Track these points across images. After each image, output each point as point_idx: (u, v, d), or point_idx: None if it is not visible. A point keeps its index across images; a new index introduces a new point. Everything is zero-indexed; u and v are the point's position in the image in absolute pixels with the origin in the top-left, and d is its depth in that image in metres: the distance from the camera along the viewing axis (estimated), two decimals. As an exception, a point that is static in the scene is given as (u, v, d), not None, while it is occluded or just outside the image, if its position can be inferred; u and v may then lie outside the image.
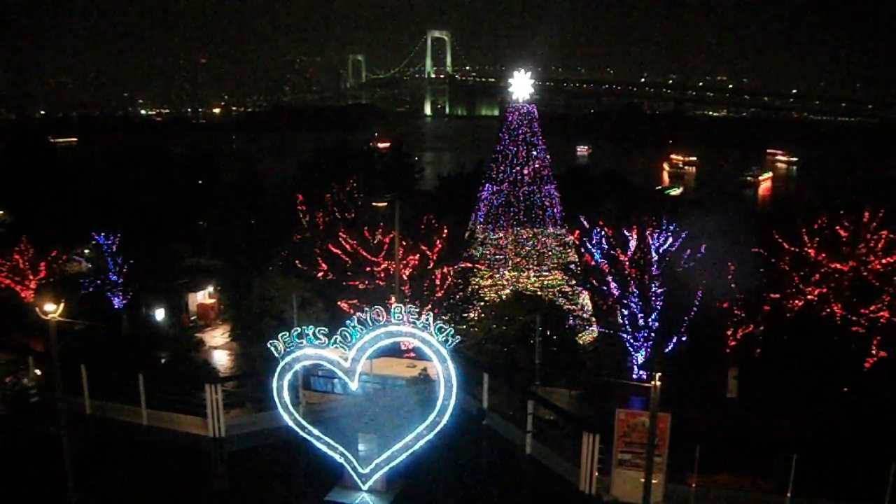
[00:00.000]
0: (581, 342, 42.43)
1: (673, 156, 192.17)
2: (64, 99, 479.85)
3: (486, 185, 47.14)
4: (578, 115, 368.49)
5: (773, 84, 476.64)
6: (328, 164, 72.57)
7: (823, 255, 38.72)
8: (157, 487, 27.08)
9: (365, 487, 25.95)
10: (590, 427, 24.49)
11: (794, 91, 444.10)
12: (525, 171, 45.82)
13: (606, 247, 40.67)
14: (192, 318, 50.21)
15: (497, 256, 45.49)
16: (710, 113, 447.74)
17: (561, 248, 46.17)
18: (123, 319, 47.42)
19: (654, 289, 38.34)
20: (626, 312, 38.92)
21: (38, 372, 31.91)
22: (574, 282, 44.83)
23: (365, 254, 40.97)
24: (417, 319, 23.65)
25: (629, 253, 39.93)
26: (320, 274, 43.36)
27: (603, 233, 41.06)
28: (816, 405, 33.54)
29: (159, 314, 48.05)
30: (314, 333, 24.38)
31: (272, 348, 24.68)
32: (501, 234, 45.70)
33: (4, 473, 27.59)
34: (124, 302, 47.96)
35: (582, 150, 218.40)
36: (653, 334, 38.63)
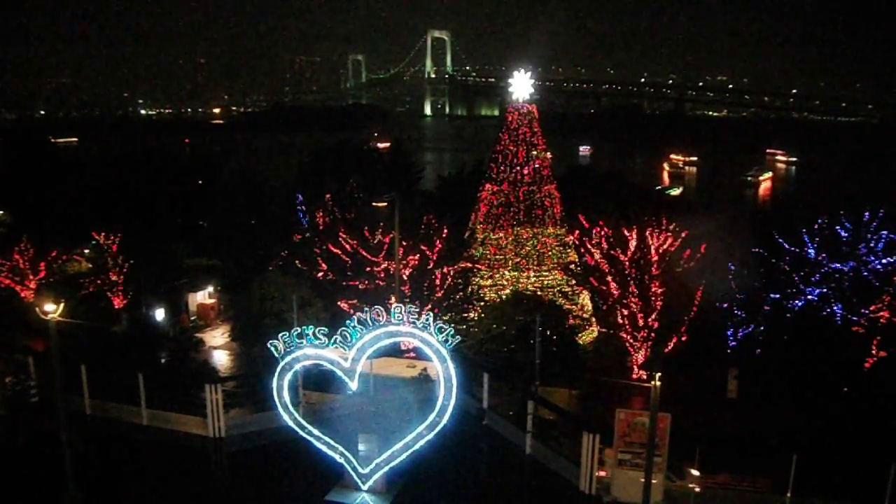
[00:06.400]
0: (581, 342, 42.43)
1: (673, 156, 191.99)
2: (64, 99, 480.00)
3: (486, 185, 47.16)
4: (578, 115, 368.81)
5: (773, 84, 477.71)
6: (328, 164, 72.61)
7: (823, 255, 38.80)
8: (157, 487, 27.03)
9: (365, 487, 25.91)
10: (590, 427, 24.47)
11: (794, 91, 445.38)
12: (525, 171, 45.82)
13: (606, 247, 40.71)
14: (192, 318, 50.14)
15: (497, 256, 45.47)
16: (710, 113, 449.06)
17: (561, 248, 46.16)
18: (123, 319, 47.43)
19: (653, 289, 38.38)
20: (626, 312, 38.96)
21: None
22: (574, 282, 44.83)
23: (365, 254, 40.99)
24: (417, 319, 23.62)
25: (629, 253, 39.97)
26: (320, 274, 43.34)
27: (603, 233, 41.11)
28: (816, 405, 33.58)
29: (159, 314, 47.98)
30: (314, 333, 24.34)
31: (272, 348, 24.64)
32: (501, 234, 45.68)
33: (4, 473, 27.53)
34: (124, 302, 47.98)
35: (584, 150, 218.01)
36: (653, 334, 38.66)
